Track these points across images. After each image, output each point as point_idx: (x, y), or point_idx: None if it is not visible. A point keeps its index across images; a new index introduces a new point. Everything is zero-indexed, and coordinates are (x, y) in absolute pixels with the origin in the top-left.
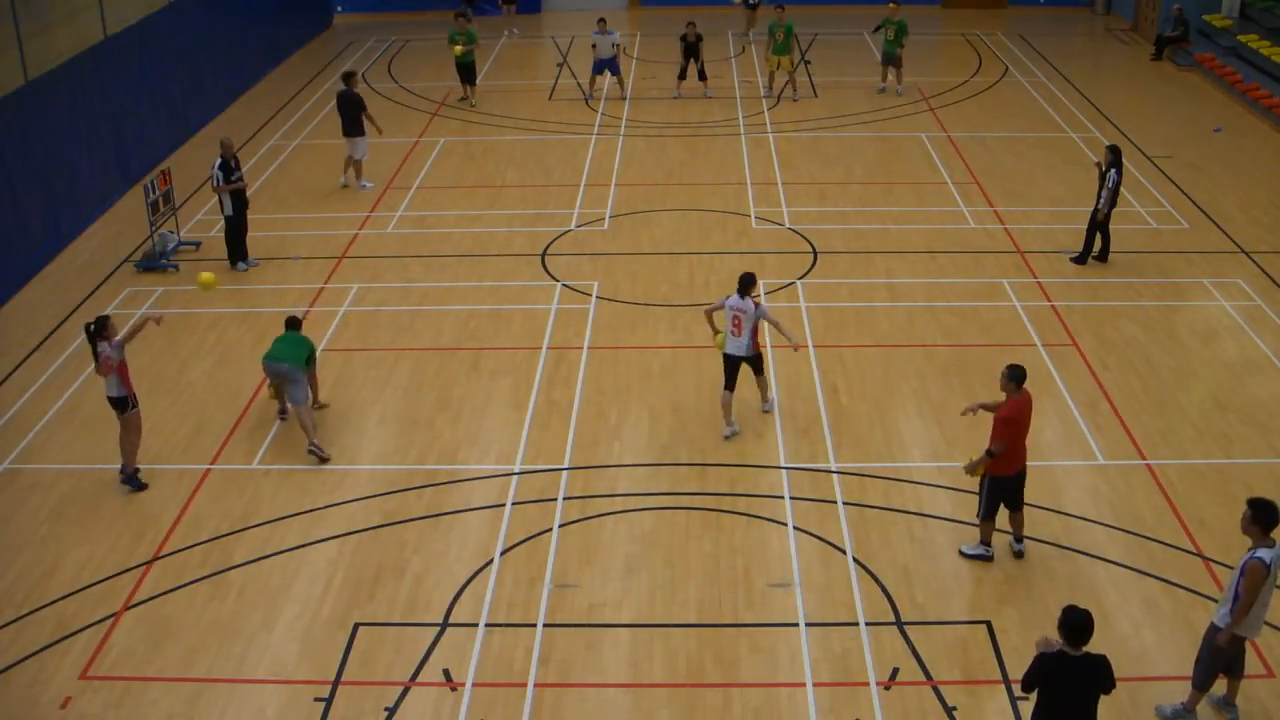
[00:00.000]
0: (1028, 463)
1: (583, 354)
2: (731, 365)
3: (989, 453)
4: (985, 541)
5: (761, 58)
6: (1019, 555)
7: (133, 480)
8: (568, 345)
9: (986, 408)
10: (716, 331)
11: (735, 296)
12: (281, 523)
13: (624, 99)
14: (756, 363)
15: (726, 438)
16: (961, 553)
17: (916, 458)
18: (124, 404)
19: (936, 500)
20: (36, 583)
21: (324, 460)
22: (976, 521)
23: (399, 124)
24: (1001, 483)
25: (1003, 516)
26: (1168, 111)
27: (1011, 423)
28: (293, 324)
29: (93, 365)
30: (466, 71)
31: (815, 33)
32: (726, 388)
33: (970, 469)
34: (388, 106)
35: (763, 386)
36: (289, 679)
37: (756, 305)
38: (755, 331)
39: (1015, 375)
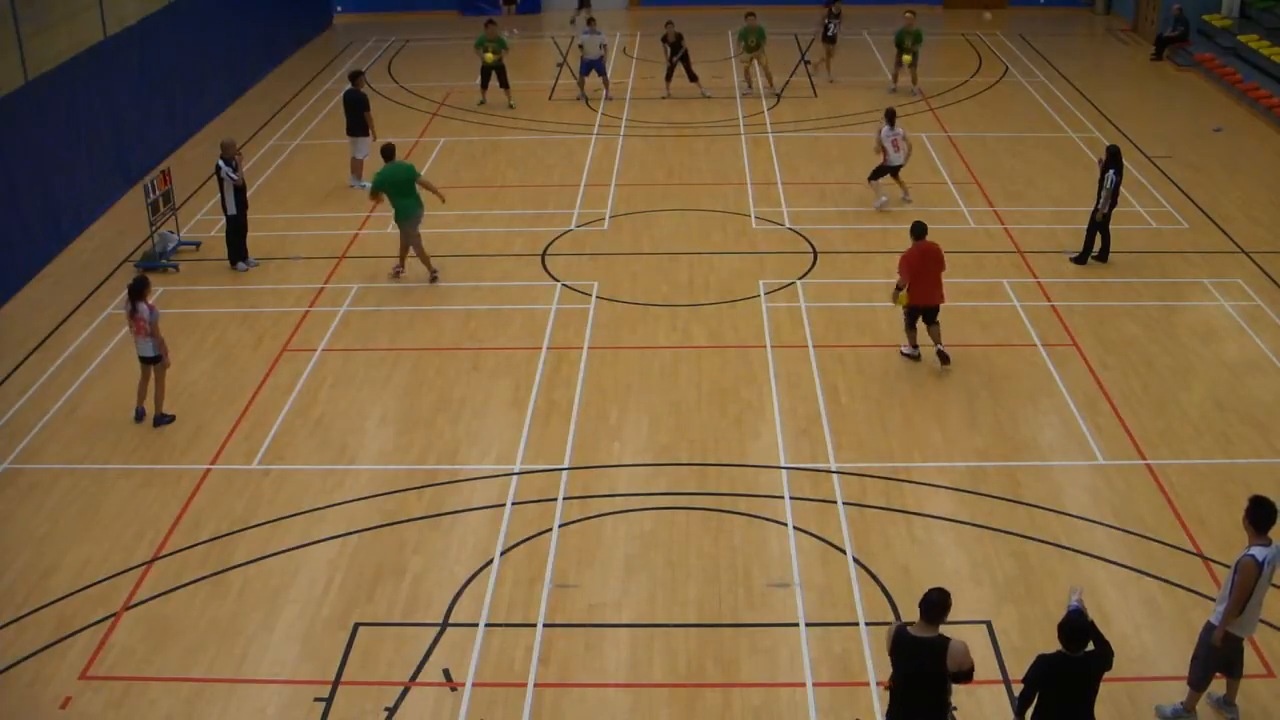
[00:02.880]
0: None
1: (583, 354)
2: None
3: (898, 286)
4: (913, 344)
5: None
6: (943, 359)
7: (162, 419)
8: (568, 345)
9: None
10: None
11: (888, 127)
12: (281, 523)
13: (609, 99)
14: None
15: (879, 207)
16: (902, 352)
17: (916, 458)
18: (156, 360)
19: (936, 500)
20: (36, 583)
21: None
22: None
23: (399, 124)
24: (913, 309)
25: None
26: (1168, 111)
27: (907, 261)
28: (389, 155)
29: (92, 365)
30: (498, 75)
31: (816, 33)
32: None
33: (894, 298)
34: (388, 106)
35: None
36: (289, 679)
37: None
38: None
39: (914, 229)
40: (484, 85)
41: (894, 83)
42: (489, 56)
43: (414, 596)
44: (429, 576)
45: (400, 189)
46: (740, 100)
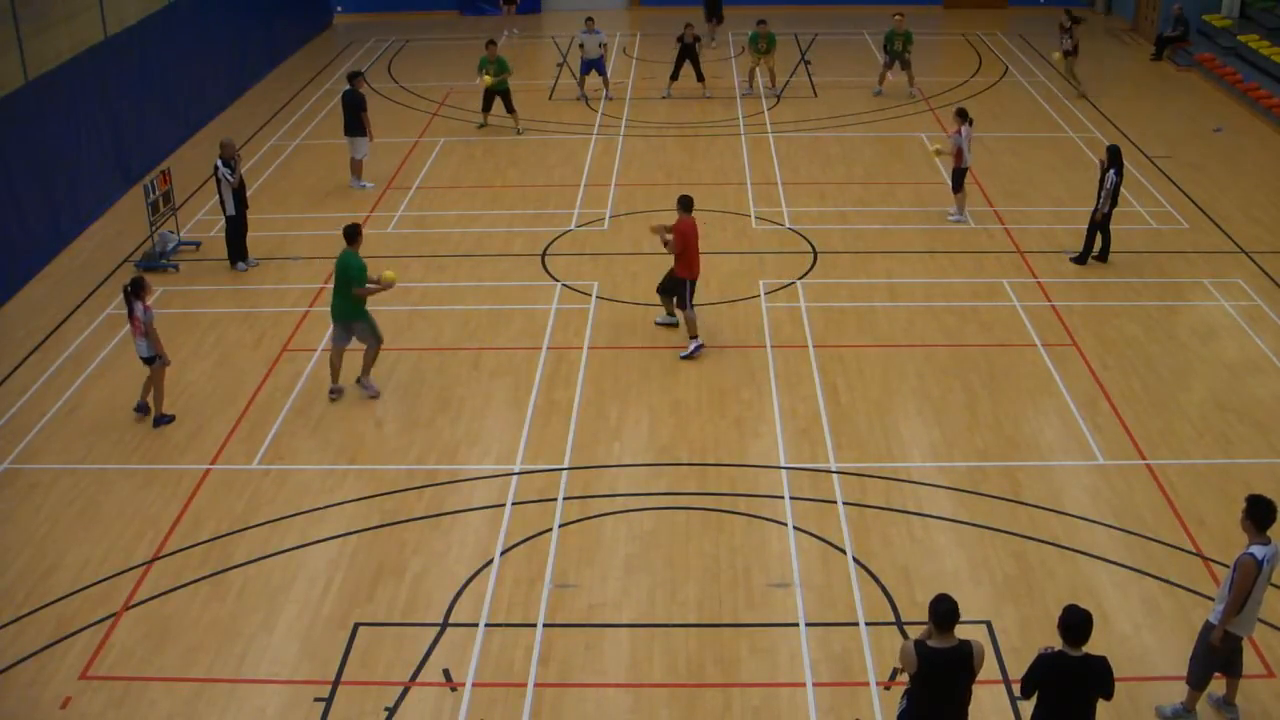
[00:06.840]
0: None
1: (583, 354)
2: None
3: (665, 242)
4: (670, 313)
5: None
6: (672, 324)
7: (161, 419)
8: (568, 345)
9: (665, 228)
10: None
11: (968, 127)
12: (281, 523)
13: (609, 99)
14: None
15: (955, 220)
16: (657, 322)
17: (916, 458)
18: (153, 360)
19: (936, 500)
20: (36, 583)
21: (375, 396)
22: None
23: (399, 124)
24: (682, 282)
25: None
26: (1168, 111)
27: (680, 232)
28: (351, 236)
29: (92, 365)
30: (503, 99)
31: (815, 33)
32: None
33: (663, 239)
34: (388, 106)
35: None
36: (289, 679)
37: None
38: None
39: (681, 202)
40: (485, 108)
41: (880, 85)
42: (487, 79)
43: (414, 596)
44: (429, 576)
45: (340, 284)
46: (740, 100)
